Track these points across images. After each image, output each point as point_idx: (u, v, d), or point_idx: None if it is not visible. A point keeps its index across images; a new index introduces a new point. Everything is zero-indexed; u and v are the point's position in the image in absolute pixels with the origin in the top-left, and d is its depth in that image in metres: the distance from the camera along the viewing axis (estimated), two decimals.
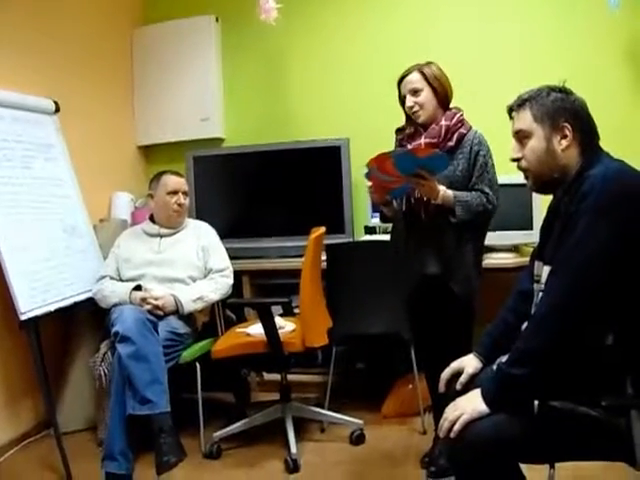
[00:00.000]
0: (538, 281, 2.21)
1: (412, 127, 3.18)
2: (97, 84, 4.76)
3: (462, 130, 3.07)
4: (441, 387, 2.41)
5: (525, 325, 2.19)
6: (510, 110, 2.21)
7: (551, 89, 2.12)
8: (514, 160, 2.17)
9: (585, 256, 1.86)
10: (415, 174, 2.82)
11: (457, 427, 1.94)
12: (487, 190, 2.99)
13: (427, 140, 3.05)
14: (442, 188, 2.91)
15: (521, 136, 2.14)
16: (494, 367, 2.15)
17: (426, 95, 3.08)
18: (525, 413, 1.93)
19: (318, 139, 4.65)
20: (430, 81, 3.08)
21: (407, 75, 3.12)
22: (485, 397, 1.96)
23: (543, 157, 2.08)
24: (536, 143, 2.09)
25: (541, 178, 2.13)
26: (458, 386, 2.32)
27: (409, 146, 3.09)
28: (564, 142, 2.06)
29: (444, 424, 1.99)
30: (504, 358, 2.12)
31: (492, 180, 3.04)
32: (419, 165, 2.79)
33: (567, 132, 2.05)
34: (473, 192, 2.99)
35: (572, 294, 1.88)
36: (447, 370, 2.41)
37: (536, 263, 2.25)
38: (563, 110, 2.07)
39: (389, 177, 2.84)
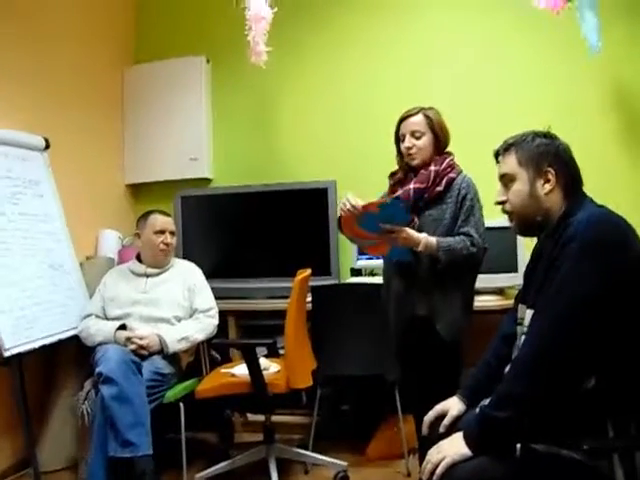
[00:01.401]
0: (521, 324, 2.23)
1: (402, 172, 3.19)
2: (87, 122, 4.79)
3: (451, 175, 3.09)
4: (424, 430, 2.41)
5: (507, 368, 2.21)
6: (497, 154, 2.25)
7: (536, 134, 2.17)
8: (498, 203, 2.21)
9: (568, 300, 1.87)
10: (382, 230, 2.85)
11: (439, 470, 1.93)
12: (472, 233, 2.99)
13: (416, 185, 3.05)
14: (423, 235, 2.93)
15: (506, 180, 2.18)
16: (477, 410, 2.15)
17: (426, 140, 3.10)
18: (507, 456, 1.92)
19: (305, 181, 4.68)
20: (434, 126, 3.10)
21: (411, 116, 3.12)
22: (467, 440, 1.96)
23: (526, 200, 2.12)
24: (520, 186, 2.13)
25: (524, 221, 2.17)
26: (441, 429, 2.33)
27: (399, 191, 3.10)
28: (547, 186, 2.10)
29: (427, 467, 1.98)
30: (487, 401, 2.13)
31: (478, 223, 3.04)
32: (379, 220, 2.83)
33: (550, 176, 2.09)
34: (457, 237, 2.99)
35: (554, 338, 1.89)
36: (431, 413, 2.41)
37: (520, 306, 2.28)
38: (547, 155, 2.11)
39: (367, 240, 2.87)
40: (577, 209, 2.05)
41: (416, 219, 3.03)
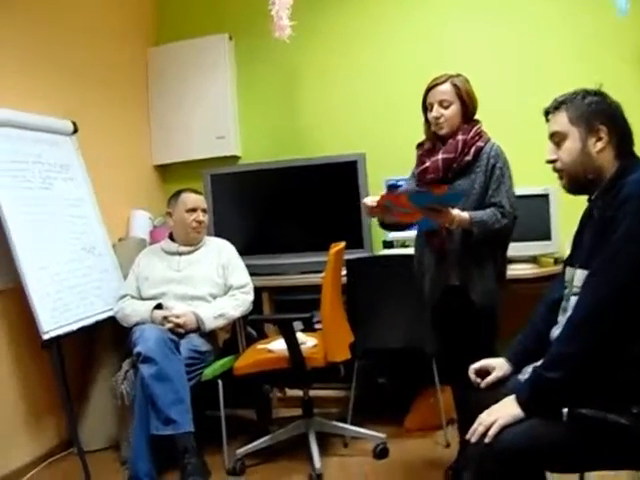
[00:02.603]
0: (567, 287, 2.22)
1: (430, 143, 3.15)
2: (113, 105, 4.80)
3: (479, 143, 3.04)
4: (472, 376, 2.41)
5: (555, 331, 2.20)
6: (546, 113, 2.22)
7: (587, 92, 2.15)
8: (549, 162, 2.19)
9: (627, 260, 1.86)
10: (429, 207, 2.82)
11: (492, 431, 1.93)
12: (504, 203, 2.95)
13: (444, 156, 3.02)
14: (456, 212, 2.86)
15: (557, 138, 2.16)
16: (529, 369, 2.15)
17: (455, 109, 3.04)
18: (556, 419, 1.92)
19: (334, 155, 4.65)
20: (462, 95, 3.04)
21: (439, 85, 3.06)
22: (520, 401, 1.96)
23: (578, 158, 2.11)
24: (571, 144, 2.11)
25: (575, 179, 2.15)
26: (483, 385, 2.35)
27: (427, 162, 3.07)
28: (599, 144, 2.08)
29: (478, 428, 1.97)
30: (535, 365, 2.13)
31: (509, 192, 3.00)
32: (433, 201, 2.79)
33: (602, 134, 2.08)
34: (488, 210, 2.95)
35: (611, 299, 1.88)
36: (476, 364, 2.42)
37: (567, 269, 2.26)
38: (599, 113, 2.10)
39: (402, 208, 2.83)
40: (632, 169, 2.04)
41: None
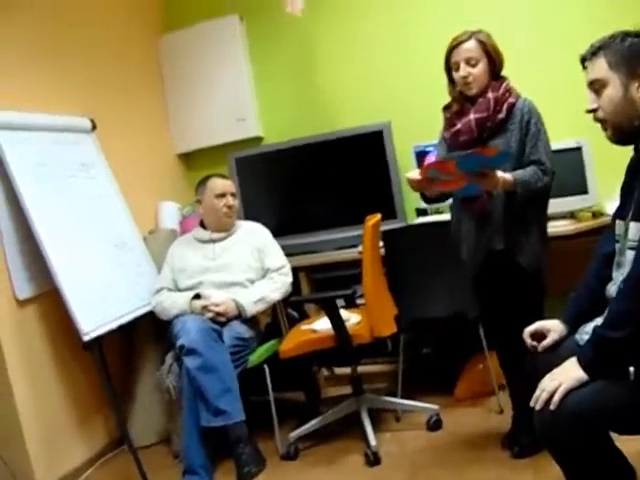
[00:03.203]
0: (619, 241, 2.14)
1: (458, 104, 3.04)
2: (129, 97, 4.73)
3: (511, 100, 2.94)
4: (527, 339, 2.36)
5: (611, 288, 2.13)
6: (583, 60, 2.11)
7: (626, 34, 2.03)
8: (590, 111, 2.08)
9: None
10: (476, 172, 2.71)
11: (557, 397, 1.88)
12: (543, 159, 2.87)
13: (477, 115, 2.92)
14: (500, 175, 2.76)
15: (596, 86, 2.05)
16: (587, 329, 2.12)
17: (482, 66, 2.93)
18: (622, 380, 1.88)
19: (359, 126, 4.56)
20: (489, 51, 2.93)
21: (463, 42, 2.93)
22: (583, 364, 1.90)
23: (620, 105, 2.00)
24: (613, 91, 2.00)
25: (620, 128, 2.04)
26: (540, 348, 2.31)
27: (459, 124, 2.97)
28: None
29: (542, 395, 1.92)
30: (592, 324, 2.09)
31: (547, 147, 2.91)
32: (483, 164, 2.69)
33: None
34: (529, 168, 2.86)
35: None
36: (531, 327, 2.37)
37: (617, 222, 2.17)
38: None
39: (447, 176, 2.73)
40: None
41: None
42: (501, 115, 2.92)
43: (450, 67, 3.01)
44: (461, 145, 2.95)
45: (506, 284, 3.00)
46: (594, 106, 2.06)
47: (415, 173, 2.85)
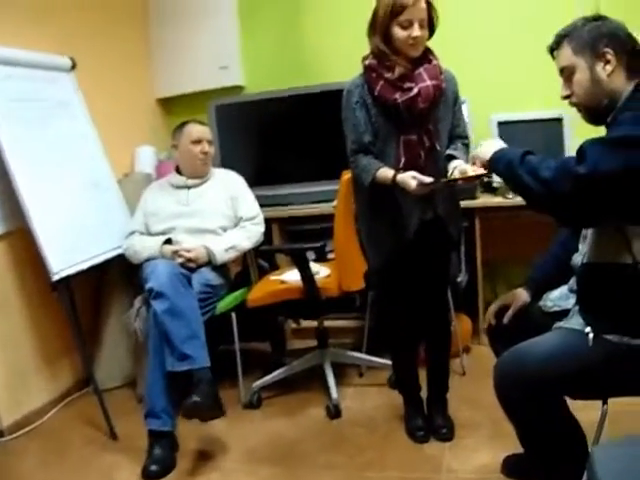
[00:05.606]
0: None
1: (401, 67, 2.76)
2: (111, 38, 4.64)
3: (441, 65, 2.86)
4: (490, 319, 2.49)
5: (577, 258, 2.27)
6: (551, 50, 2.16)
7: (586, 19, 2.09)
8: (564, 98, 2.14)
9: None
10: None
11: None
12: (466, 133, 2.93)
13: (434, 82, 2.76)
14: (455, 165, 2.65)
15: (566, 73, 2.10)
16: (551, 296, 2.34)
17: (425, 28, 2.73)
18: (580, 347, 1.97)
19: (343, 81, 4.48)
20: (432, 15, 2.74)
21: (419, 1, 2.66)
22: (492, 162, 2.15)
23: (590, 88, 2.04)
24: (581, 75, 2.05)
25: (593, 109, 2.08)
26: (505, 319, 2.43)
27: (415, 89, 2.73)
28: (608, 67, 2.02)
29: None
30: (564, 288, 2.30)
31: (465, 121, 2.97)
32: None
33: (609, 57, 2.01)
34: (460, 146, 2.85)
35: None
36: (495, 303, 2.51)
37: None
38: (601, 36, 2.03)
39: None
40: None
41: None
42: (444, 84, 2.82)
43: (390, 21, 2.71)
44: (419, 111, 2.77)
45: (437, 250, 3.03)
46: (567, 92, 2.12)
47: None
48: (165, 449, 3.14)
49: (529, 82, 4.12)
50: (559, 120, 3.96)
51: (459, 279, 3.89)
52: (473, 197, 3.93)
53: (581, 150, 1.85)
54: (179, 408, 3.15)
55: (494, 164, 2.13)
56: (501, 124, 4.00)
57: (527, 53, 4.01)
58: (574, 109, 2.15)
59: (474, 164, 2.33)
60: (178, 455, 3.18)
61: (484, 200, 4.05)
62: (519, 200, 3.69)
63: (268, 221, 4.12)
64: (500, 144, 2.19)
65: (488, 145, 2.21)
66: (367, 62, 2.87)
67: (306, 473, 2.97)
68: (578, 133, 3.87)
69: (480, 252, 4.05)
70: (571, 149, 3.93)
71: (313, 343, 3.85)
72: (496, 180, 3.56)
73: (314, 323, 3.82)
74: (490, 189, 4.13)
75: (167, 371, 3.17)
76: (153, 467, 3.07)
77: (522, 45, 4.16)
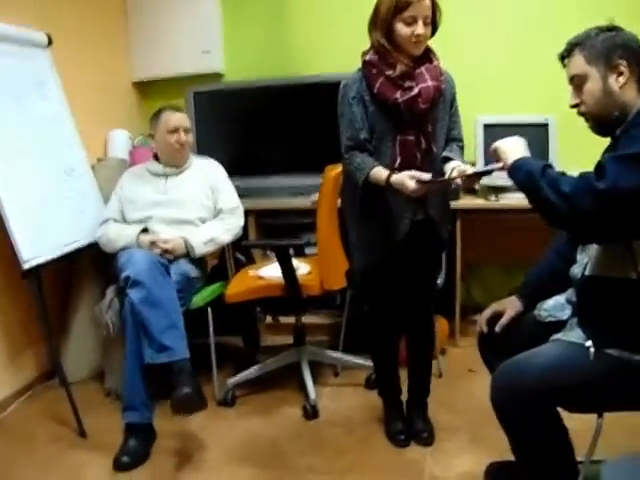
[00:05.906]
0: None
1: (402, 65, 2.70)
2: (88, 16, 4.49)
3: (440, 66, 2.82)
4: (482, 327, 2.47)
5: (575, 269, 2.25)
6: (562, 58, 2.16)
7: (599, 29, 2.09)
8: (573, 106, 2.13)
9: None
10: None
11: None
12: (462, 136, 2.90)
13: (434, 83, 2.71)
14: (453, 167, 2.63)
15: (577, 81, 2.10)
16: (545, 306, 2.33)
17: (429, 26, 2.67)
18: (581, 360, 1.98)
19: (326, 73, 4.41)
20: (436, 13, 2.68)
21: None
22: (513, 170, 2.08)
23: (601, 98, 2.05)
24: (592, 85, 2.06)
25: (602, 119, 2.08)
26: (497, 328, 2.41)
27: (416, 89, 2.67)
28: (621, 79, 2.03)
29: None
30: (559, 298, 2.30)
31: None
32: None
33: (622, 69, 2.02)
34: (455, 148, 2.83)
35: None
36: (488, 310, 2.48)
37: None
38: (615, 47, 2.03)
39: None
40: None
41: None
42: (443, 85, 2.77)
43: (393, 17, 2.64)
44: (419, 112, 2.71)
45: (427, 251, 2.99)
46: (576, 101, 2.12)
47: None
48: (140, 441, 3.11)
49: (516, 86, 4.10)
50: (545, 126, 3.96)
51: (438, 280, 3.85)
52: (456, 198, 3.88)
53: (600, 166, 1.84)
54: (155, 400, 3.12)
55: (514, 171, 2.08)
56: (487, 126, 3.97)
57: (516, 57, 4.04)
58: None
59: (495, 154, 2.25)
60: (153, 452, 3.12)
61: (466, 202, 4.03)
62: (500, 203, 3.72)
63: (245, 213, 3.97)
64: (523, 146, 2.15)
65: (513, 145, 2.16)
66: (367, 57, 2.77)
67: (288, 475, 2.91)
68: (563, 139, 3.89)
69: (460, 254, 4.03)
70: (556, 155, 3.93)
71: (288, 339, 3.80)
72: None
73: (290, 319, 3.76)
74: (472, 191, 4.10)
75: (146, 364, 3.08)
76: (124, 458, 3.04)
77: (511, 49, 4.13)
